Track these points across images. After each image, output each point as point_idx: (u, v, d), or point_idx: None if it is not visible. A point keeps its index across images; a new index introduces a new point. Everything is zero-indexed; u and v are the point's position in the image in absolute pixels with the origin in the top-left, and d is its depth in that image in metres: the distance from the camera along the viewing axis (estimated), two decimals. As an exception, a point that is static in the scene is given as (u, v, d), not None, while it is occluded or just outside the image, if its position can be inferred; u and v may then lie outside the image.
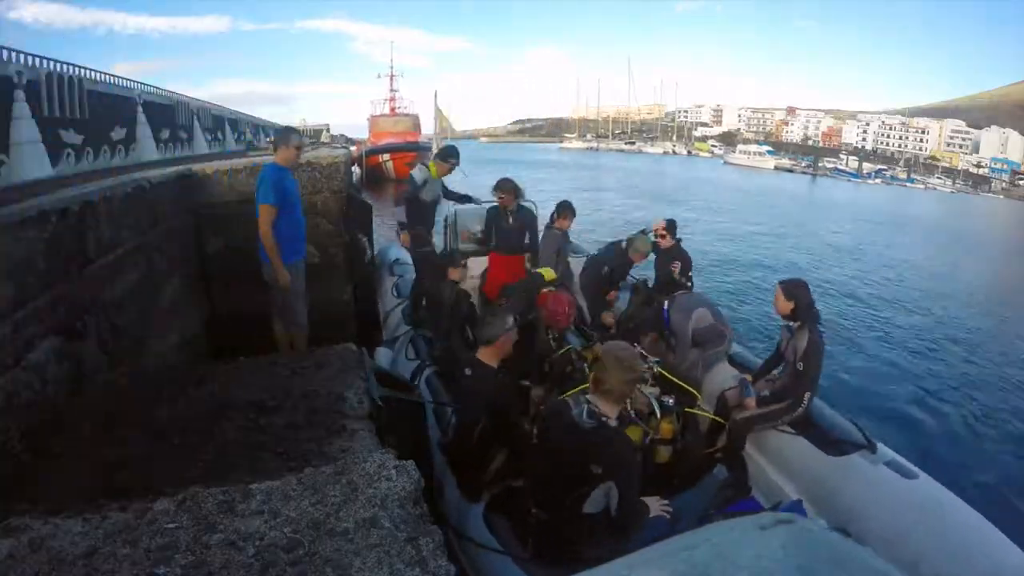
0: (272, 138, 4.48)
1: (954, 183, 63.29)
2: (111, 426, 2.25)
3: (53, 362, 2.37)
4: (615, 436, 2.09)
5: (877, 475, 2.68)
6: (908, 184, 59.41)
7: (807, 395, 3.04)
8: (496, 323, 2.76)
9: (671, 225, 4.72)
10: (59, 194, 2.90)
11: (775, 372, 3.48)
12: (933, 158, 77.61)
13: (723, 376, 3.63)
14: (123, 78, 8.08)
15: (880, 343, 8.08)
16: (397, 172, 23.92)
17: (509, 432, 2.65)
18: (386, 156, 25.58)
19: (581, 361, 3.63)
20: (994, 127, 79.73)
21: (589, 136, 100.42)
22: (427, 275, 4.56)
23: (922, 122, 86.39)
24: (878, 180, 60.27)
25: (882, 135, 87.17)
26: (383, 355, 4.26)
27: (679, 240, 4.74)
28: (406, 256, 6.01)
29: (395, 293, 5.31)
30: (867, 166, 66.12)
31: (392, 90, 35.40)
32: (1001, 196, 59.77)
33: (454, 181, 5.50)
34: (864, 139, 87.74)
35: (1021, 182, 65.52)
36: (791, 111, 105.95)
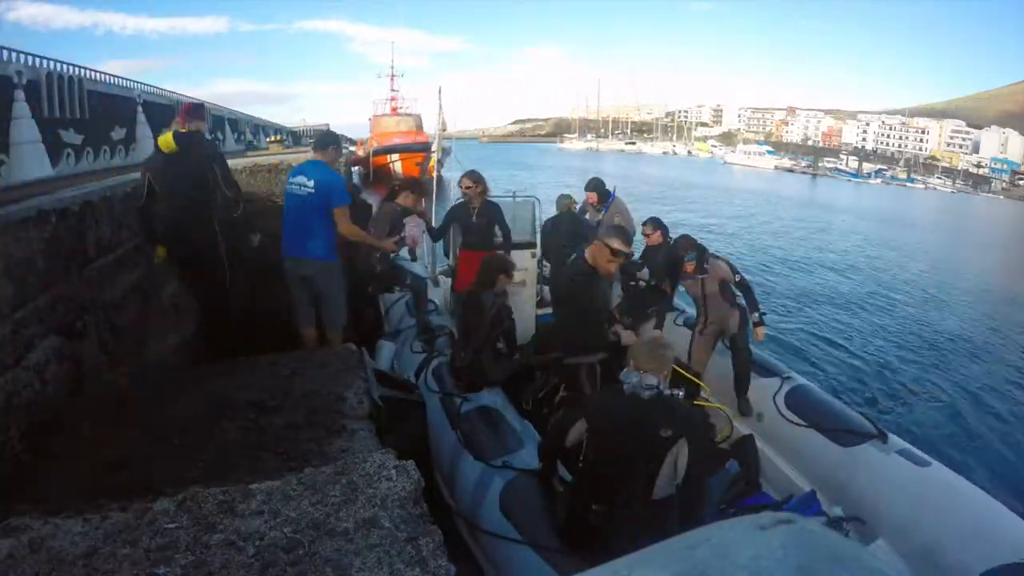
0: (312, 141, 4.55)
1: (954, 183, 63.33)
2: (111, 426, 2.25)
3: (53, 362, 2.36)
4: (673, 399, 2.14)
5: (889, 464, 2.68)
6: (908, 184, 59.46)
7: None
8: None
9: (655, 221, 4.64)
10: (59, 194, 2.90)
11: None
12: (933, 158, 77.61)
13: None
14: (123, 78, 8.08)
15: (888, 335, 8.13)
16: (405, 172, 24.03)
17: None
18: (394, 156, 25.61)
19: None
20: (994, 127, 79.77)
21: (589, 136, 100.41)
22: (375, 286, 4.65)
23: (922, 122, 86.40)
24: (878, 180, 60.32)
25: (882, 135, 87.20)
26: (386, 348, 4.26)
27: (668, 238, 4.60)
28: (406, 252, 6.00)
29: (396, 288, 5.32)
30: (867, 166, 66.20)
31: (393, 90, 35.40)
32: (1001, 196, 59.79)
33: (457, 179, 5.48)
34: (864, 139, 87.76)
35: (1021, 182, 65.51)
36: (791, 111, 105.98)
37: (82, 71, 6.55)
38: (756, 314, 3.71)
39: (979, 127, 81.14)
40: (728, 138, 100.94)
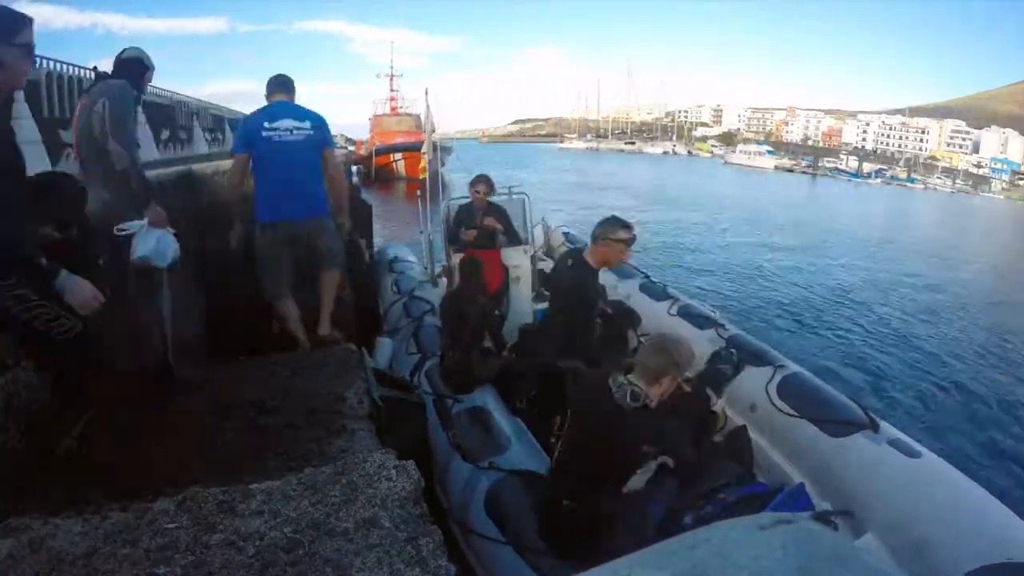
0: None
1: (954, 183, 63.26)
2: (111, 426, 2.25)
3: (53, 362, 2.36)
4: (662, 417, 2.08)
5: (880, 454, 2.65)
6: (908, 184, 59.39)
7: None
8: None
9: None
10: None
11: None
12: (933, 158, 77.58)
13: None
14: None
15: (880, 325, 8.20)
16: (408, 171, 24.18)
17: None
18: (397, 156, 25.69)
19: None
20: (994, 127, 79.73)
21: (589, 136, 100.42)
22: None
23: (922, 122, 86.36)
24: (878, 180, 60.29)
25: (882, 135, 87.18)
26: (385, 345, 4.26)
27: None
28: (405, 253, 5.97)
29: (395, 289, 5.37)
30: (867, 166, 66.16)
31: (392, 90, 35.44)
32: (1001, 196, 59.75)
33: (460, 180, 5.50)
34: (864, 139, 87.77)
35: (1021, 182, 65.49)
36: (791, 111, 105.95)
37: (81, 71, 6.55)
38: None
39: (979, 127, 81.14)
40: (728, 138, 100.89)
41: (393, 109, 33.92)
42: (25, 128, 5.31)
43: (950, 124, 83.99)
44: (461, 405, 3.17)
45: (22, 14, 1.80)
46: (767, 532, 0.71)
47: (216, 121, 12.79)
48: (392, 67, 35.51)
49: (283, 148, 2.88)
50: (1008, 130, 76.83)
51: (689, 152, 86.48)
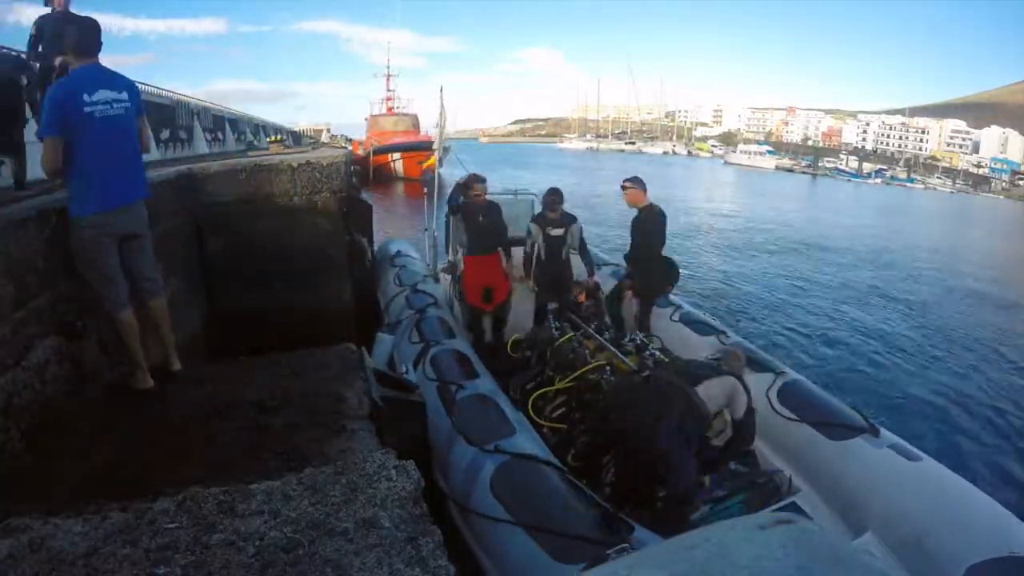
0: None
1: (954, 183, 63.28)
2: (111, 426, 2.25)
3: (53, 362, 2.36)
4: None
5: (880, 458, 2.68)
6: (908, 184, 59.39)
7: None
8: None
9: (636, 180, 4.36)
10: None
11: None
12: (933, 158, 77.58)
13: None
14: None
15: (880, 331, 8.16)
16: (407, 171, 24.18)
17: None
18: (396, 155, 25.68)
19: (583, 348, 3.79)
20: (994, 127, 79.64)
21: (589, 136, 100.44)
22: None
23: (922, 122, 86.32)
24: (878, 180, 60.28)
25: (882, 135, 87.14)
26: (384, 342, 4.27)
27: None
28: (408, 248, 5.96)
29: (397, 282, 5.42)
30: (867, 166, 66.15)
31: (389, 90, 35.43)
32: (1001, 196, 59.74)
33: (458, 177, 5.47)
34: (864, 139, 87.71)
35: (1021, 182, 65.47)
36: (791, 111, 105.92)
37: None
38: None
39: (979, 127, 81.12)
40: (728, 138, 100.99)
41: (389, 109, 33.94)
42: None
43: (950, 124, 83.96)
44: (465, 391, 3.22)
45: None
46: (767, 532, 0.71)
47: (216, 121, 12.80)
48: (388, 67, 35.53)
49: (104, 125, 2.38)
50: (1008, 130, 76.76)
51: (689, 152, 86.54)
